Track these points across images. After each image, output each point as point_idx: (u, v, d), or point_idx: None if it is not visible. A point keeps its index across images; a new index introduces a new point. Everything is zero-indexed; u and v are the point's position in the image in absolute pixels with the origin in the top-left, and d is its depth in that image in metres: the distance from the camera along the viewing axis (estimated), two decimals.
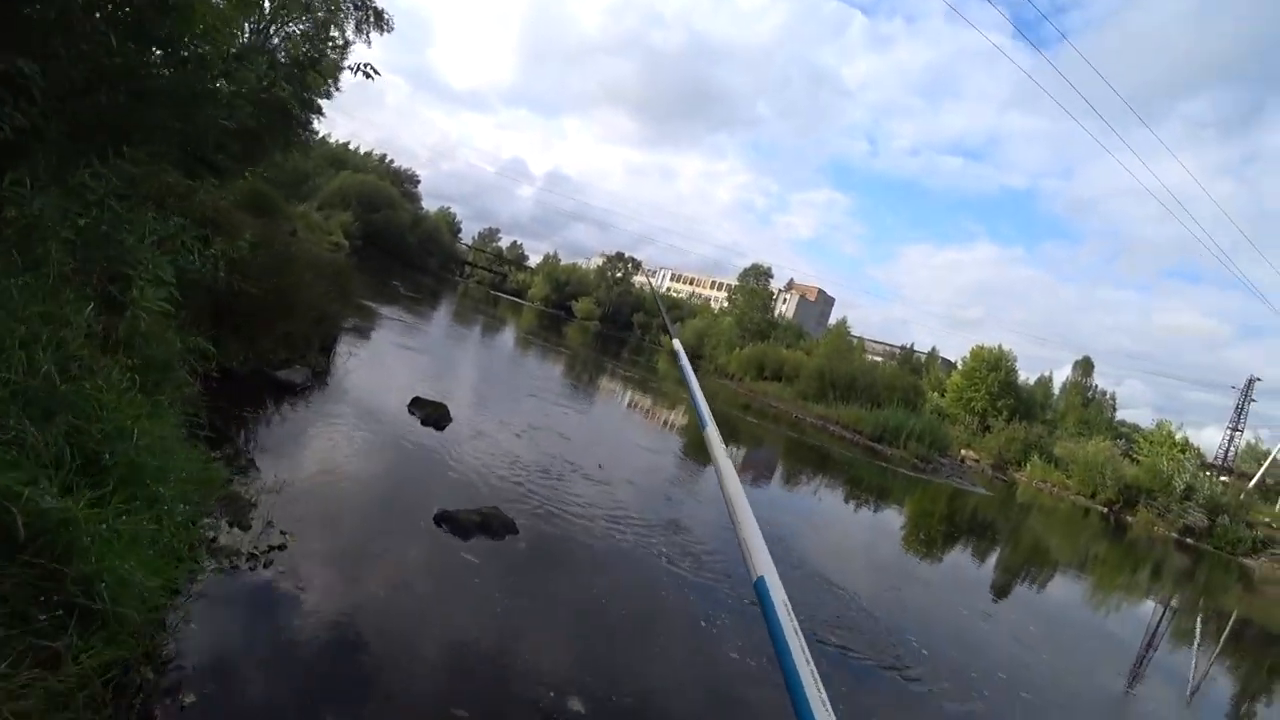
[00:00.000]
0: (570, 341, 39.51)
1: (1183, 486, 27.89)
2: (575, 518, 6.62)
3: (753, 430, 21.90)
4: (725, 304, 66.52)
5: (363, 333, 13.90)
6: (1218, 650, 10.81)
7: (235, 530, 3.82)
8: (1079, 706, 6.48)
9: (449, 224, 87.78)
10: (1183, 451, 33.65)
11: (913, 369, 50.10)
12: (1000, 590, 10.46)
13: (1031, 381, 48.51)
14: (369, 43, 17.07)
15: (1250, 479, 35.93)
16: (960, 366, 47.02)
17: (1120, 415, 53.89)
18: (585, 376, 23.67)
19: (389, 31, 17.26)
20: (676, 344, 2.23)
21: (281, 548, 3.86)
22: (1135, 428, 46.91)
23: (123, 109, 5.29)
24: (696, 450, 12.98)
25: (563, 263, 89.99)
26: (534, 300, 79.24)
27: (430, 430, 8.09)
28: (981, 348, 44.75)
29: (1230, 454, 44.78)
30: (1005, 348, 43.91)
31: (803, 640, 0.74)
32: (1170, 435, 36.09)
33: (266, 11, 12.31)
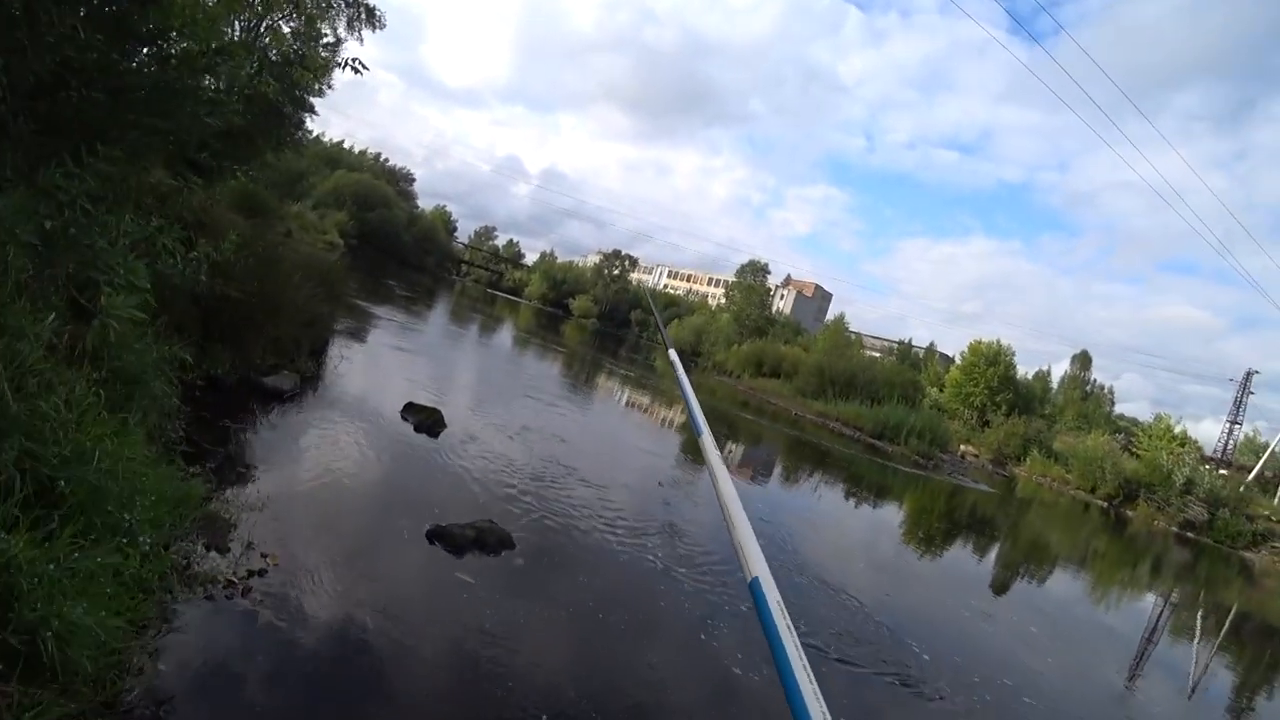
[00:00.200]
0: (568, 340, 39.30)
1: (1182, 480, 27.84)
2: (573, 528, 6.41)
3: (752, 428, 21.71)
4: (722, 301, 66.31)
5: (356, 335, 13.66)
6: (1218, 644, 10.77)
7: (212, 554, 3.56)
8: (1082, 710, 6.35)
9: (445, 222, 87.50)
10: (1182, 445, 33.63)
11: (911, 364, 49.95)
12: (1002, 588, 10.39)
13: (1030, 376, 48.46)
14: (361, 40, 16.89)
15: (1249, 472, 35.86)
16: (958, 361, 46.92)
17: (1118, 409, 54.02)
18: (583, 375, 23.48)
19: (381, 29, 17.04)
20: (672, 354, 2.25)
21: (262, 573, 3.60)
22: (1134, 421, 46.97)
23: (99, 106, 5.06)
24: (695, 450, 12.71)
25: (559, 260, 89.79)
26: (531, 298, 78.97)
27: (424, 438, 7.86)
28: (979, 342, 44.67)
29: (1229, 447, 44.80)
30: (1004, 342, 43.84)
31: (796, 637, 0.75)
32: (1169, 429, 36.05)
33: (257, 7, 12.13)
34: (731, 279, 64.70)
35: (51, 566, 1.92)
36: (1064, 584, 12.27)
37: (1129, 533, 23.25)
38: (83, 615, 1.91)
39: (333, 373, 9.57)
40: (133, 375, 3.53)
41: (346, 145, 69.14)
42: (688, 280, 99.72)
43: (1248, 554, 24.80)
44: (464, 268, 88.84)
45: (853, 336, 52.63)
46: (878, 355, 53.19)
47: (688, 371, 1.96)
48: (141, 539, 2.46)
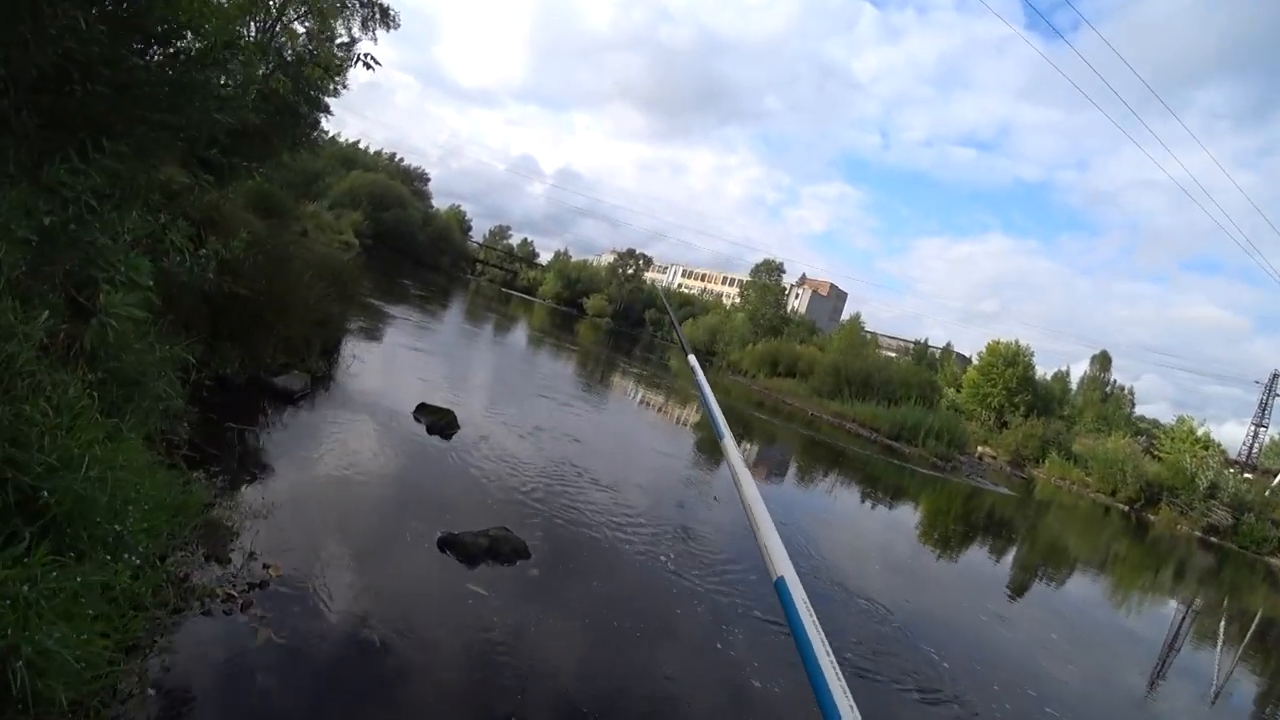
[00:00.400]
0: (582, 339, 39.21)
1: (1206, 484, 27.44)
2: (589, 535, 6.23)
3: (768, 429, 21.48)
4: (737, 300, 66.02)
5: (370, 334, 13.59)
6: (1242, 652, 10.58)
7: (212, 564, 3.38)
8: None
9: (459, 222, 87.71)
10: (1205, 448, 33.09)
11: (928, 365, 49.42)
12: (1021, 593, 10.22)
13: (1048, 377, 47.83)
14: (375, 40, 16.88)
15: (1275, 476, 35.12)
16: (976, 362, 46.42)
17: (1139, 411, 53.20)
18: (597, 375, 23.34)
19: (395, 28, 17.02)
20: (692, 359, 2.26)
21: (263, 585, 3.41)
22: (1156, 423, 46.26)
23: (105, 101, 4.96)
24: (710, 449, 12.73)
25: (573, 260, 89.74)
26: (545, 297, 78.97)
27: (436, 439, 7.70)
28: (998, 343, 44.24)
29: (1254, 450, 43.94)
30: (1022, 343, 43.32)
31: (823, 635, 0.75)
32: (1192, 431, 35.47)
33: (273, 9, 12.14)
34: (746, 278, 64.38)
35: (26, 587, 1.77)
36: (1084, 589, 12.09)
37: (1151, 537, 22.90)
38: (60, 641, 1.76)
39: (344, 372, 9.46)
40: (133, 376, 3.40)
41: (362, 145, 69.51)
42: (702, 279, 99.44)
43: (1274, 560, 24.34)
44: (479, 267, 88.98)
45: (868, 336, 52.14)
46: (893, 355, 52.73)
47: (702, 371, 1.97)
48: (128, 556, 2.31)
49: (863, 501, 13.82)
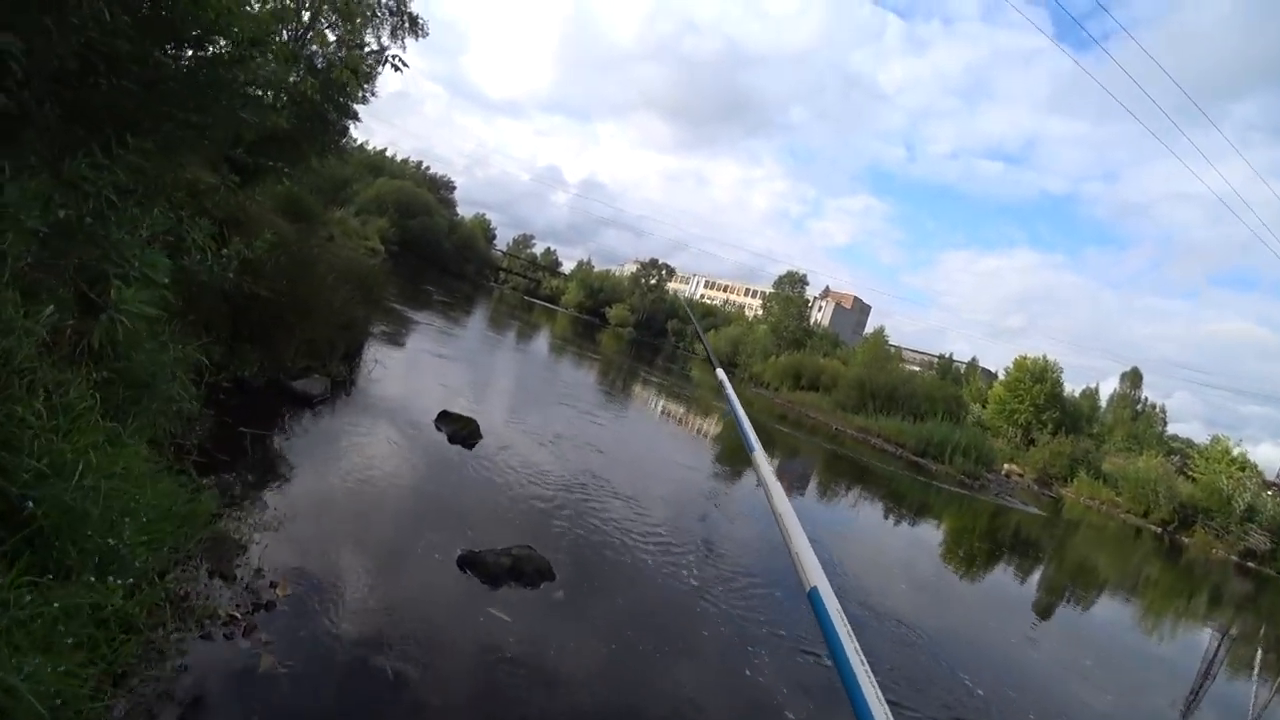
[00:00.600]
0: (604, 348, 39.08)
1: (1243, 506, 26.58)
2: (614, 554, 5.99)
3: (791, 442, 21.12)
4: (759, 311, 65.54)
5: (393, 339, 13.51)
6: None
7: (216, 582, 3.14)
8: None
9: (484, 230, 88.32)
10: (1242, 469, 32.02)
11: (953, 379, 48.59)
12: (1054, 617, 9.97)
13: (1077, 393, 46.78)
14: (404, 48, 17.00)
15: None
16: (1002, 377, 45.57)
17: (1170, 429, 51.87)
18: (619, 384, 23.17)
19: (424, 36, 17.16)
20: (720, 374, 2.26)
21: (269, 606, 3.16)
22: (1189, 443, 44.97)
23: (130, 96, 4.86)
24: (730, 460, 12.67)
25: (596, 269, 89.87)
26: (567, 306, 79.01)
27: (458, 449, 7.50)
28: (1025, 358, 43.35)
29: None
30: (1050, 358, 42.45)
31: (857, 645, 0.76)
32: (1227, 451, 34.33)
33: (304, 18, 12.26)
34: (769, 289, 63.87)
35: None
36: (1117, 613, 11.74)
37: (1185, 560, 22.19)
38: (32, 675, 1.56)
39: (366, 377, 9.33)
40: (142, 377, 3.23)
41: (390, 153, 70.31)
42: (724, 290, 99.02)
43: None
44: (502, 275, 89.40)
45: (892, 350, 51.40)
46: (917, 370, 51.91)
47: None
48: (122, 573, 2.11)
49: (888, 518, 13.49)
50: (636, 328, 72.22)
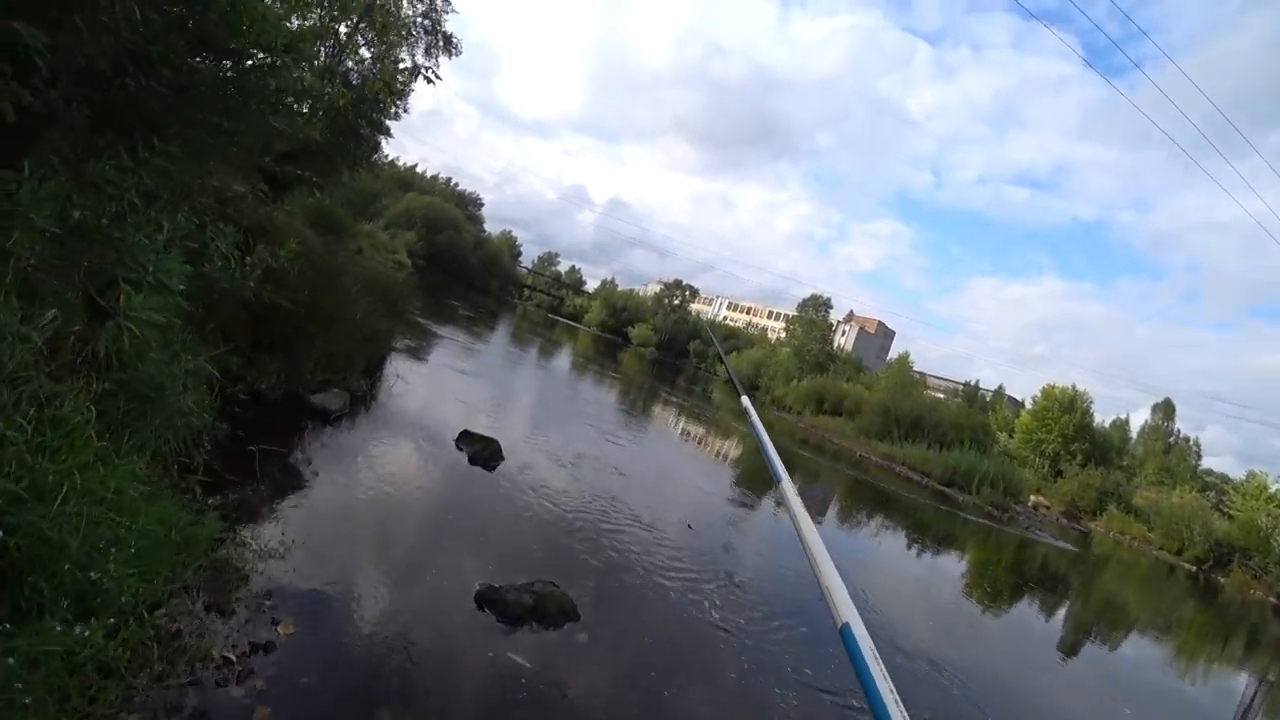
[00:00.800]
0: (626, 368, 38.89)
1: None
2: (639, 590, 5.69)
3: (814, 468, 20.70)
4: (782, 334, 65.07)
5: (415, 353, 13.40)
6: None
7: (212, 617, 2.86)
8: None
9: (510, 247, 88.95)
10: None
11: (980, 407, 47.60)
12: (1089, 660, 9.58)
13: (1106, 424, 45.56)
14: (437, 65, 17.18)
15: None
16: (1029, 406, 44.58)
17: (1204, 463, 50.32)
18: (641, 404, 22.94)
19: (457, 54, 17.35)
20: (745, 400, 2.23)
21: (267, 647, 2.87)
22: (1224, 478, 43.57)
23: (159, 99, 4.77)
24: (755, 485, 12.45)
25: (620, 288, 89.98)
26: (590, 325, 79.03)
27: (479, 471, 7.28)
28: (1053, 387, 42.40)
29: None
30: (1079, 388, 41.46)
31: (891, 684, 0.74)
32: (1264, 487, 33.09)
33: (342, 37, 12.42)
34: (792, 312, 63.41)
35: None
36: (1152, 656, 11.37)
37: (1220, 601, 21.25)
38: None
39: (386, 392, 9.17)
40: (147, 388, 3.04)
41: (420, 169, 71.13)
42: (747, 313, 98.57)
43: None
44: (526, 292, 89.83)
45: (917, 376, 50.57)
46: (942, 396, 51.02)
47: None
48: (95, 618, 1.88)
49: (915, 549, 13.10)
50: (658, 348, 71.99)
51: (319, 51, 11.24)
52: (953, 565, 13.21)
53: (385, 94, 11.48)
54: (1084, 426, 40.41)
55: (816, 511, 13.89)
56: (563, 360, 30.40)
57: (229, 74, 5.48)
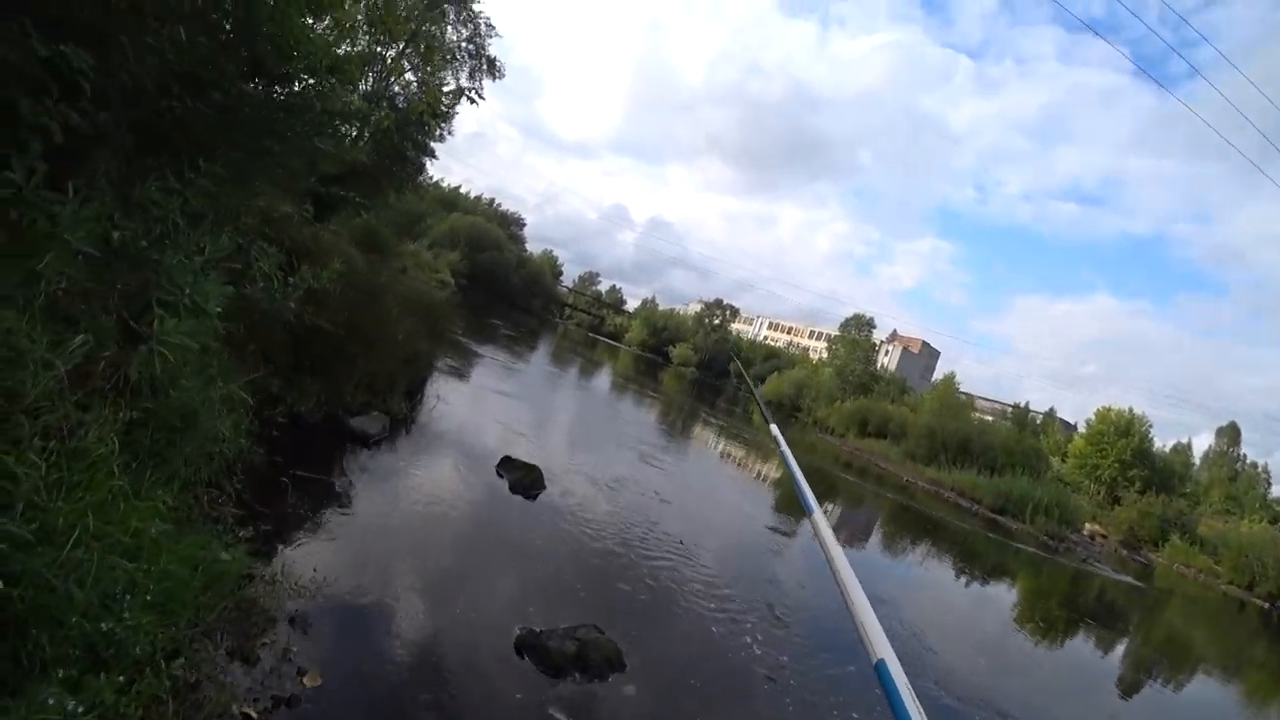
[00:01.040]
0: (666, 388, 38.66)
1: None
2: (691, 634, 5.39)
3: (859, 493, 20.11)
4: (824, 354, 64.17)
5: (457, 373, 13.39)
6: None
7: (235, 665, 2.67)
8: None
9: (552, 267, 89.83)
10: None
11: (1030, 430, 46.00)
12: (1156, 706, 8.97)
13: (1166, 449, 43.52)
14: (481, 87, 17.48)
15: None
16: (1083, 429, 42.87)
17: (1275, 491, 47.68)
18: (681, 425, 22.67)
19: (501, 78, 17.65)
20: (774, 429, 2.22)
21: (292, 701, 2.64)
22: None
23: (204, 120, 4.78)
24: (798, 511, 11.97)
25: (660, 308, 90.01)
26: (630, 344, 79.10)
27: (520, 500, 7.09)
28: (1109, 410, 40.69)
29: None
30: (1137, 411, 39.73)
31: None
32: None
33: (388, 62, 12.68)
34: (834, 332, 62.54)
35: None
36: (1222, 699, 10.77)
37: None
38: None
39: (427, 415, 9.08)
40: (177, 416, 2.93)
41: (464, 190, 72.50)
42: (788, 333, 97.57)
43: None
44: (567, 311, 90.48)
45: (964, 397, 49.17)
46: (990, 419, 49.46)
47: (784, 427, 1.82)
48: (105, 673, 1.74)
49: (966, 581, 12.53)
50: (699, 368, 71.64)
51: (366, 76, 11.46)
52: (1007, 598, 12.61)
53: (429, 115, 11.58)
54: (1142, 451, 38.66)
55: (861, 538, 13.45)
56: (603, 380, 30.32)
57: (278, 97, 5.50)
